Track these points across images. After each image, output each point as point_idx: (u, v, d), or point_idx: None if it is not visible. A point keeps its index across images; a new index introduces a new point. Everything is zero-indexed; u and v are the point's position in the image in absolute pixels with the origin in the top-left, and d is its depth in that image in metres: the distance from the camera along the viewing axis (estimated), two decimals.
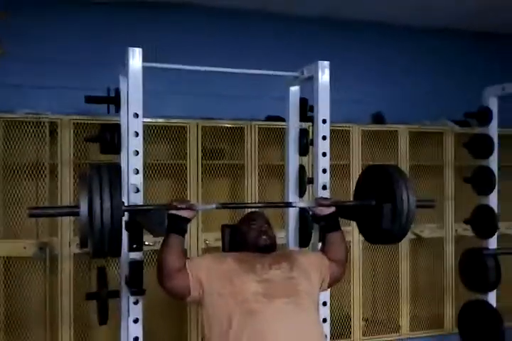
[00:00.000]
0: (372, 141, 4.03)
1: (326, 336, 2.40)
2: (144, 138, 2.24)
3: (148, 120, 3.23)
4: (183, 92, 3.81)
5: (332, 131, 2.50)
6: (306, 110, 2.70)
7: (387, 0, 3.96)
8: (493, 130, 3.41)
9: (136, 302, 2.22)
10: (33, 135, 3.29)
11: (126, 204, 2.08)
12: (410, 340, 4.07)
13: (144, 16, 3.87)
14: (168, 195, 3.55)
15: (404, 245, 4.00)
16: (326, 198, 2.36)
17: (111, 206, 1.74)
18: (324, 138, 2.46)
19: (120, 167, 2.08)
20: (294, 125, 2.73)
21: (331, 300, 2.50)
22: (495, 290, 3.39)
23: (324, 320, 2.44)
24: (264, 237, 2.20)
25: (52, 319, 3.29)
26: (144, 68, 2.23)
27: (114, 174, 1.84)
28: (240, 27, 4.08)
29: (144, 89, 2.22)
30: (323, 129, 2.46)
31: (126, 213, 2.02)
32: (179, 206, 2.03)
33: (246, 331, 1.90)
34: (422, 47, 4.54)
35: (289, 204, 2.62)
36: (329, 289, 2.37)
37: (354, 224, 2.43)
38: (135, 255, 2.20)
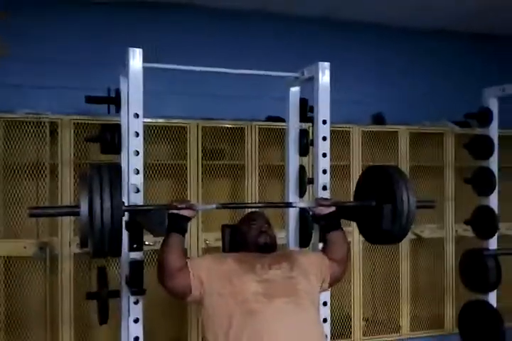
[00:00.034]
0: (373, 142, 4.03)
1: (326, 336, 2.40)
2: (144, 139, 2.24)
3: (149, 120, 3.23)
4: (183, 92, 3.81)
5: (332, 132, 2.50)
6: (307, 111, 2.70)
7: (387, 0, 3.96)
8: (494, 131, 3.41)
9: (136, 302, 2.23)
10: (33, 135, 3.29)
11: (126, 204, 2.09)
12: (411, 340, 4.07)
13: (144, 16, 3.87)
14: (169, 195, 3.55)
15: (404, 245, 4.00)
16: (326, 199, 2.36)
17: (111, 206, 1.75)
18: (324, 138, 2.46)
19: (120, 167, 2.08)
20: (294, 125, 2.73)
21: (331, 300, 2.50)
22: (495, 291, 3.39)
23: (324, 320, 2.44)
24: (264, 237, 2.20)
25: (53, 319, 3.29)
26: (144, 68, 2.23)
27: (114, 174, 1.84)
28: (240, 27, 4.09)
29: (144, 89, 2.22)
30: (324, 130, 2.46)
31: (126, 213, 2.02)
32: (179, 206, 2.03)
33: (246, 331, 1.90)
34: (420, 48, 4.55)
35: (289, 205, 2.62)
36: (330, 289, 2.37)
37: (354, 224, 2.43)
38: (135, 255, 2.20)
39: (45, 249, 3.26)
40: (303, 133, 2.72)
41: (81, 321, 3.37)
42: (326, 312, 2.46)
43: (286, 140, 2.78)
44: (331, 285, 2.26)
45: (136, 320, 2.23)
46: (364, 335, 3.95)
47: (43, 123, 3.29)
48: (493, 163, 3.39)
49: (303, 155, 2.75)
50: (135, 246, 2.18)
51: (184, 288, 2.01)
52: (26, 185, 3.33)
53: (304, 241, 2.65)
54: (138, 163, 2.21)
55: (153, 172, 3.49)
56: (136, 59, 2.22)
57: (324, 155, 2.46)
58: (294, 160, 2.74)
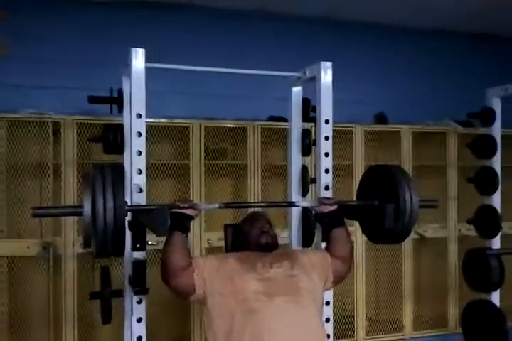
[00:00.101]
0: (375, 142, 4.02)
1: (328, 336, 2.40)
2: (146, 139, 2.24)
3: (151, 120, 3.23)
4: (185, 92, 3.81)
5: (335, 132, 2.50)
6: (309, 110, 2.70)
7: (387, 0, 3.96)
8: (497, 130, 3.42)
9: (139, 302, 2.23)
10: (36, 135, 3.30)
11: (129, 204, 2.09)
12: (414, 340, 4.07)
13: (144, 16, 3.87)
14: (171, 195, 3.56)
15: (407, 245, 3.99)
16: (328, 198, 2.36)
17: (114, 206, 1.75)
18: (327, 138, 2.46)
19: (123, 167, 2.08)
20: (296, 125, 2.73)
21: (334, 300, 2.50)
22: (498, 290, 3.39)
23: (327, 320, 2.45)
24: (265, 237, 2.21)
25: (56, 318, 3.30)
26: (147, 68, 2.24)
27: (117, 174, 1.85)
28: (240, 27, 4.09)
29: (146, 89, 2.23)
30: (326, 129, 2.46)
31: (129, 213, 2.02)
32: (182, 205, 2.04)
33: (247, 330, 1.91)
34: (421, 48, 4.55)
35: (292, 204, 2.62)
36: (332, 288, 2.36)
37: (357, 224, 2.43)
38: (138, 254, 2.21)
39: (48, 249, 3.27)
40: (305, 133, 2.73)
41: (84, 320, 3.38)
42: (328, 311, 2.46)
43: (288, 140, 2.79)
44: (335, 283, 2.25)
45: (139, 320, 2.23)
46: (367, 335, 3.94)
47: (45, 123, 3.29)
48: (496, 163, 3.39)
49: (305, 155, 2.76)
50: (138, 245, 2.18)
51: (188, 287, 2.01)
52: (29, 185, 3.34)
53: (306, 240, 2.65)
54: (141, 162, 2.22)
55: (155, 172, 3.49)
56: (138, 59, 2.22)
57: (327, 154, 2.46)
58: (296, 160, 2.74)
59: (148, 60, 2.24)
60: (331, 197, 2.42)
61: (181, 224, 2.04)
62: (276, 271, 2.07)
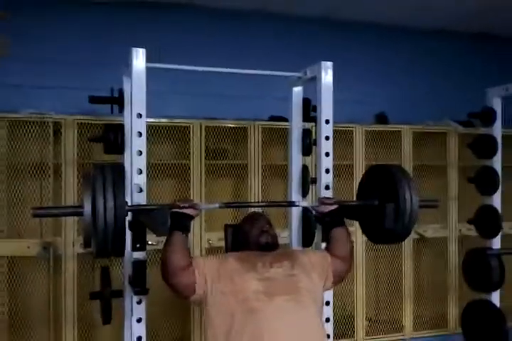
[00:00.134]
0: (376, 141, 4.02)
1: (328, 336, 2.40)
2: (147, 138, 2.24)
3: (152, 120, 3.23)
4: (185, 92, 3.81)
5: (335, 131, 2.50)
6: (309, 110, 2.70)
7: (387, 0, 3.96)
8: (497, 130, 3.42)
9: (139, 302, 2.23)
10: (36, 135, 3.30)
11: (129, 204, 2.09)
12: (414, 340, 4.07)
13: (145, 16, 3.88)
14: (172, 195, 3.56)
15: (407, 245, 3.99)
16: (329, 198, 2.36)
17: (114, 206, 1.75)
18: (327, 138, 2.46)
19: (124, 167, 2.08)
20: (297, 125, 2.73)
21: (334, 300, 2.50)
22: (498, 290, 3.39)
23: (327, 320, 2.44)
24: (265, 236, 2.21)
25: (56, 318, 3.30)
26: (147, 68, 2.24)
27: (117, 174, 1.85)
28: (240, 27, 4.09)
29: (146, 89, 2.23)
30: (327, 129, 2.46)
31: (129, 213, 2.02)
32: (182, 205, 2.04)
33: (247, 330, 1.91)
34: (420, 48, 4.55)
35: (292, 204, 2.62)
36: (332, 288, 2.36)
37: (357, 224, 2.43)
38: (138, 254, 2.21)
39: (48, 249, 3.27)
40: (306, 133, 2.73)
41: (84, 321, 3.38)
42: (328, 311, 2.46)
43: (289, 139, 2.79)
44: (335, 283, 2.24)
45: (139, 320, 2.23)
46: (367, 335, 3.94)
47: (46, 123, 3.29)
48: (497, 163, 3.39)
49: (306, 155, 2.75)
50: (138, 245, 2.18)
51: (188, 287, 2.01)
52: (30, 185, 3.34)
53: (306, 240, 2.65)
54: (141, 162, 2.22)
55: (156, 172, 3.49)
56: (139, 59, 2.23)
57: (327, 154, 2.46)
58: (297, 160, 2.74)
59: (148, 59, 2.24)
60: (331, 196, 2.42)
61: (181, 223, 2.04)
62: (277, 270, 2.07)
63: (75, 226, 3.28)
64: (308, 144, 2.70)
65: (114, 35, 3.73)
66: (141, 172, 2.21)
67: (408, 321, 4.04)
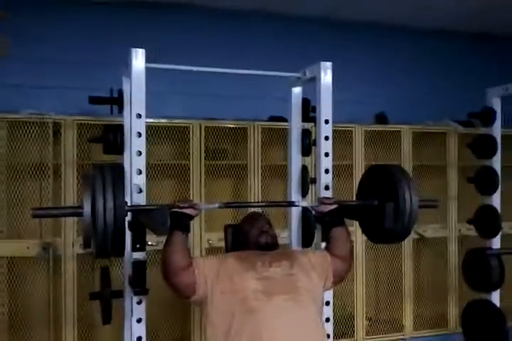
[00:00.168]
0: (375, 142, 4.02)
1: (328, 335, 2.40)
2: (146, 139, 2.24)
3: (151, 120, 3.23)
4: (185, 93, 3.81)
5: (335, 132, 2.50)
6: (309, 110, 2.70)
7: (387, 0, 3.96)
8: (497, 130, 3.42)
9: (139, 302, 2.23)
10: (36, 135, 3.30)
11: (129, 204, 2.09)
12: (414, 340, 4.07)
13: (145, 16, 3.88)
14: (171, 195, 3.56)
15: (407, 245, 3.99)
16: (328, 198, 2.36)
17: (114, 206, 1.75)
18: (327, 138, 2.46)
19: (123, 167, 2.08)
20: (296, 125, 2.73)
21: (334, 300, 2.50)
22: (498, 290, 3.39)
23: (327, 320, 2.44)
24: (265, 236, 2.22)
25: (56, 319, 3.30)
26: (146, 69, 2.24)
27: (117, 174, 1.85)
28: (240, 27, 4.09)
29: (146, 89, 2.23)
30: (326, 129, 2.46)
31: (129, 213, 2.02)
32: (182, 205, 2.04)
33: (246, 329, 1.91)
34: (420, 48, 4.55)
35: (292, 204, 2.62)
36: (332, 288, 2.36)
37: (357, 224, 2.43)
38: (138, 255, 2.21)
39: (48, 250, 3.27)
40: (305, 133, 2.73)
41: (84, 321, 3.38)
42: (328, 311, 2.46)
43: (288, 140, 2.79)
44: (335, 283, 2.24)
45: (139, 320, 2.23)
46: (367, 334, 3.94)
47: (46, 124, 3.29)
48: (496, 163, 3.39)
49: (305, 155, 2.75)
50: (138, 246, 2.18)
51: (189, 287, 2.01)
52: (29, 186, 3.33)
53: (306, 240, 2.65)
54: (140, 163, 2.22)
55: (155, 172, 3.49)
56: (138, 59, 2.22)
57: (327, 154, 2.46)
58: (296, 160, 2.74)
59: (148, 60, 2.24)
60: (330, 196, 2.42)
61: (181, 223, 2.04)
62: (275, 270, 2.07)
63: (75, 226, 3.28)
64: (308, 144, 2.70)
65: (114, 35, 3.73)
66: (140, 172, 2.21)
67: (408, 321, 4.04)
